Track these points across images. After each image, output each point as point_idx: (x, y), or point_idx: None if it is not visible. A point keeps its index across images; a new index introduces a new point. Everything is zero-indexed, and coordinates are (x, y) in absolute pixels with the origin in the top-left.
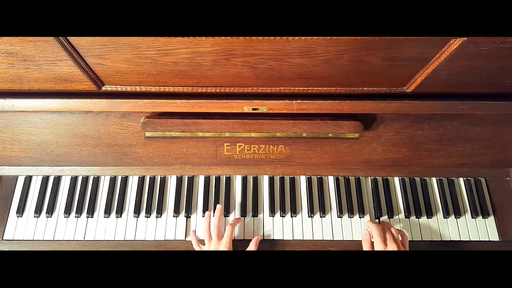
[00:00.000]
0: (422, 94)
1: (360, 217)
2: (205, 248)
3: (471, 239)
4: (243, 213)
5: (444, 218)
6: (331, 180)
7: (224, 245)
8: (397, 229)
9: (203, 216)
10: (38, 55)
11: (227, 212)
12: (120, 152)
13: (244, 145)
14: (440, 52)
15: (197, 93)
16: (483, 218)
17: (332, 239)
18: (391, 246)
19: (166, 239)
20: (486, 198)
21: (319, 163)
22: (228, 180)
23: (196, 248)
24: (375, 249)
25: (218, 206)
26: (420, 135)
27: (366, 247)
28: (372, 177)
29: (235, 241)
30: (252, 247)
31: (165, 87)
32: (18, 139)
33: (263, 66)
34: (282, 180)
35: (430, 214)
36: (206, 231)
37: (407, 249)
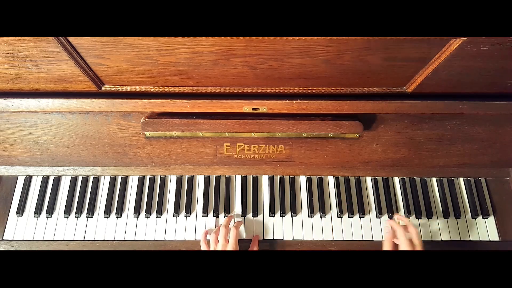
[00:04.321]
0: (422, 94)
1: (360, 217)
2: (212, 249)
3: (471, 239)
4: (243, 213)
5: (444, 218)
6: (331, 180)
7: (231, 248)
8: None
9: (203, 216)
10: (38, 55)
11: (227, 212)
12: (120, 152)
13: (244, 145)
14: (440, 52)
15: (197, 93)
16: (483, 218)
17: (332, 239)
18: (418, 249)
19: (166, 239)
20: (486, 198)
21: (319, 163)
22: (228, 180)
23: (203, 247)
24: (400, 250)
25: (230, 216)
26: (420, 135)
27: (387, 246)
28: (372, 177)
29: None
30: (254, 247)
31: (165, 87)
32: (18, 139)
33: (263, 66)
34: (282, 180)
35: (430, 214)
36: (215, 232)
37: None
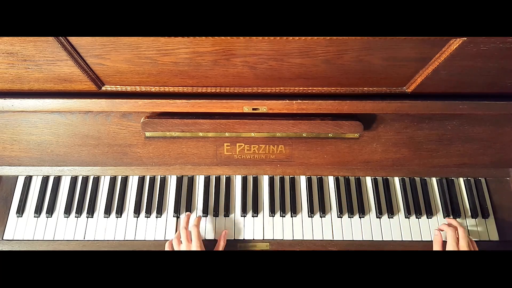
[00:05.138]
0: (422, 94)
1: (360, 217)
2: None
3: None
4: (243, 213)
5: (444, 218)
6: (331, 180)
7: (195, 247)
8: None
9: (203, 216)
10: (38, 55)
11: (227, 212)
12: (120, 152)
13: (244, 145)
14: (440, 52)
15: (197, 93)
16: (483, 218)
17: (332, 239)
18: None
19: (166, 239)
20: (486, 198)
21: (319, 163)
22: (228, 180)
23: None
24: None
25: (186, 213)
26: (420, 135)
27: (437, 248)
28: (372, 177)
29: (235, 242)
30: (221, 243)
31: (165, 87)
32: (18, 139)
33: (263, 66)
34: (282, 180)
35: (430, 214)
36: (176, 236)
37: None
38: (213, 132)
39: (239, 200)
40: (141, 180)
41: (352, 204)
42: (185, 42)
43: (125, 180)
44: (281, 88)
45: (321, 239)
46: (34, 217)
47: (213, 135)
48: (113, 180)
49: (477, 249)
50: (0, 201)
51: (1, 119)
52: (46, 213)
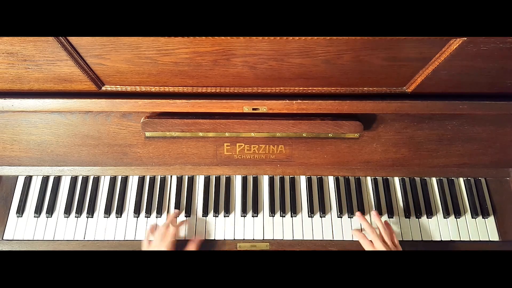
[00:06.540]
0: (422, 94)
1: None
2: (153, 243)
3: (471, 239)
4: (243, 213)
5: (444, 218)
6: (331, 180)
7: (167, 243)
8: (384, 222)
9: (203, 216)
10: (38, 55)
11: (227, 212)
12: (120, 152)
13: (244, 145)
14: (440, 52)
15: (197, 93)
16: (483, 218)
17: (332, 239)
18: (378, 245)
19: None
20: (486, 198)
21: (319, 163)
22: (228, 180)
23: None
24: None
25: (175, 211)
26: (420, 135)
27: (367, 247)
28: (372, 177)
29: (235, 242)
30: (192, 247)
31: (165, 87)
32: (18, 139)
33: (263, 66)
34: (282, 180)
35: (430, 214)
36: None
37: (397, 245)
38: (213, 132)
39: (239, 200)
40: (141, 180)
41: (352, 204)
42: (185, 42)
43: (125, 180)
44: (281, 88)
45: (321, 239)
46: (34, 217)
47: (213, 135)
48: (113, 180)
49: (394, 238)
50: (0, 201)
51: (1, 119)
52: (46, 213)
